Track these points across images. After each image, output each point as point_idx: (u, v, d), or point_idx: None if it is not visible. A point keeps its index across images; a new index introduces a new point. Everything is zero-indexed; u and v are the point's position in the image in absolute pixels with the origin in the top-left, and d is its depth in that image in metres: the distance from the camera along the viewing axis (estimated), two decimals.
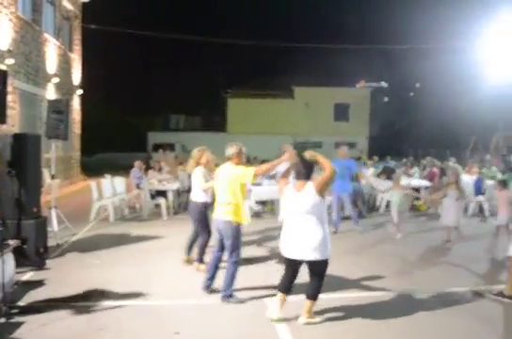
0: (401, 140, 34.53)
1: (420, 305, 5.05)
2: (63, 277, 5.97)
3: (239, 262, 5.14)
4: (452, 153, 27.17)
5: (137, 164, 11.85)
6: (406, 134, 37.46)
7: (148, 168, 13.37)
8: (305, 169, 4.51)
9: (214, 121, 37.88)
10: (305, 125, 30.92)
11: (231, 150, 5.18)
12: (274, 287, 4.89)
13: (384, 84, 47.51)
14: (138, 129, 33.60)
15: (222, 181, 5.17)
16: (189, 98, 38.07)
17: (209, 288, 5.34)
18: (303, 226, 4.39)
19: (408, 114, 40.94)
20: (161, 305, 5.04)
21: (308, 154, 4.59)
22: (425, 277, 6.23)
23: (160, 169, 12.67)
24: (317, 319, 4.58)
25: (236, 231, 5.06)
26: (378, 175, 12.44)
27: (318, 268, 4.47)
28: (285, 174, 4.76)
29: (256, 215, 10.61)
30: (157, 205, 10.86)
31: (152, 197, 10.84)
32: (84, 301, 5.06)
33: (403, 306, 5.03)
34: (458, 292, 5.51)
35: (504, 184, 8.10)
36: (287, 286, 4.62)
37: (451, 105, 34.65)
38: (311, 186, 4.38)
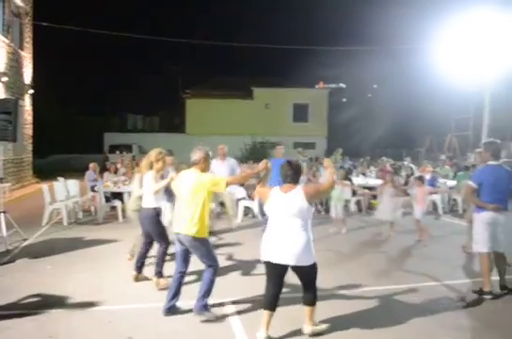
0: (359, 140, 35.14)
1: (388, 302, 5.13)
2: (13, 284, 5.73)
3: (217, 269, 4.72)
4: (408, 152, 27.87)
5: (92, 166, 11.57)
6: (364, 134, 38.17)
7: (104, 169, 13.08)
8: (293, 172, 4.23)
9: (172, 121, 37.50)
10: (264, 126, 31.03)
11: (197, 155, 4.66)
12: (233, 294, 4.83)
13: (342, 85, 48.25)
14: (94, 130, 32.83)
15: (185, 190, 4.62)
16: (147, 98, 37.61)
17: (171, 310, 4.73)
18: (287, 229, 4.12)
19: (366, 114, 41.76)
20: (114, 310, 4.91)
21: (326, 163, 4.53)
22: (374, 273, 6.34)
23: (116, 171, 12.41)
24: (323, 326, 4.34)
25: (205, 242, 4.67)
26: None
27: (308, 273, 4.21)
28: (262, 181, 4.48)
29: (216, 216, 10.51)
30: (113, 208, 10.63)
31: (108, 199, 10.60)
32: (34, 309, 4.86)
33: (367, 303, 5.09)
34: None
35: (421, 180, 8.61)
36: (272, 302, 4.20)
37: (407, 106, 35.55)
38: (299, 190, 4.15)
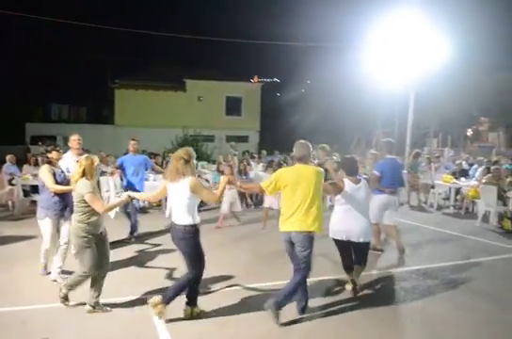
0: (291, 135, 35.61)
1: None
2: None
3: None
4: (338, 147, 28.57)
5: (9, 158, 10.87)
6: (295, 129, 38.73)
7: (26, 162, 12.36)
8: (354, 166, 5.34)
9: (101, 112, 36.12)
10: (197, 119, 30.59)
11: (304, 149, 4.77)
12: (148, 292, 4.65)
13: (277, 80, 48.68)
14: (15, 119, 30.88)
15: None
16: (74, 87, 35.95)
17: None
18: (359, 213, 5.16)
19: (298, 110, 42.39)
20: (28, 310, 4.62)
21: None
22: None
23: (36, 164, 11.71)
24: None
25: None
26: (266, 169, 12.63)
27: (365, 248, 5.26)
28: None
29: (142, 210, 10.21)
30: (33, 202, 10.02)
31: (27, 193, 9.98)
32: None
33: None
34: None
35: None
36: (349, 265, 5.33)
37: (338, 102, 36.41)
38: (364, 182, 5.29)
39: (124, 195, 4.80)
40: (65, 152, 6.21)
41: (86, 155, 4.71)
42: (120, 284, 5.35)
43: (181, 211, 4.38)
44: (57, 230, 5.54)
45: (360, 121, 34.64)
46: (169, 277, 5.84)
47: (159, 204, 10.84)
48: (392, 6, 19.65)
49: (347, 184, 5.20)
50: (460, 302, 5.22)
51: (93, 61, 37.08)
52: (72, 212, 4.83)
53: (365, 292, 5.43)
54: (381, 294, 5.44)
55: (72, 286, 4.58)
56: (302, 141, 4.85)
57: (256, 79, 38.46)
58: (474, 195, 10.37)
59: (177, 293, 4.40)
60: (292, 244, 4.58)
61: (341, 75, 35.69)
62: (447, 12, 25.55)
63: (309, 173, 4.60)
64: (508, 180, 10.04)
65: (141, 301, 4.80)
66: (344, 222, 5.16)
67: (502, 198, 9.52)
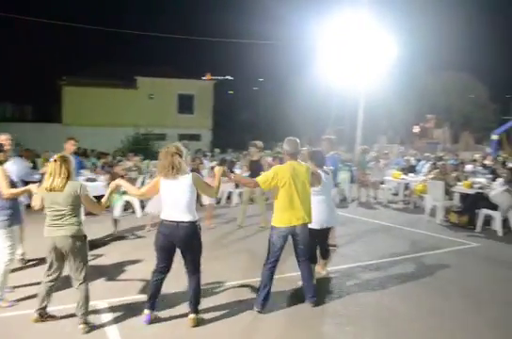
0: (244, 133, 35.59)
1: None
2: None
3: None
4: None
5: None
6: (249, 126, 38.75)
7: None
8: (323, 158, 5.77)
9: (48, 110, 34.82)
10: (148, 117, 30.02)
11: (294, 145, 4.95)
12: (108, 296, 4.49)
13: (229, 77, 48.50)
14: None
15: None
16: (18, 84, 34.45)
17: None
18: (331, 201, 5.78)
19: (251, 107, 42.44)
20: None
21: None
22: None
23: None
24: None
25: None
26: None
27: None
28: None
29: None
30: None
31: None
32: None
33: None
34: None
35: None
36: (326, 252, 5.81)
37: (291, 100, 36.67)
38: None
39: (113, 183, 4.53)
40: None
41: (61, 155, 4.34)
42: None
43: (187, 207, 4.26)
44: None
45: (313, 118, 35.04)
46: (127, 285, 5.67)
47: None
48: (342, 6, 20.00)
49: (322, 174, 5.49)
50: (411, 295, 5.34)
51: (40, 58, 35.71)
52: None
53: (319, 287, 5.44)
54: (334, 289, 5.48)
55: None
56: (292, 138, 4.98)
57: (208, 76, 38.18)
58: (422, 190, 10.66)
59: (200, 298, 4.44)
60: (287, 238, 4.78)
61: (293, 74, 36.00)
62: (396, 13, 26.24)
63: (302, 170, 4.87)
64: (453, 175, 10.39)
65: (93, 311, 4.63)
66: (325, 211, 5.51)
67: (448, 192, 9.84)
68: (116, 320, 4.44)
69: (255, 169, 8.62)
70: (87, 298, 4.22)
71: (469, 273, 6.30)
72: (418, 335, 4.35)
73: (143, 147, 23.25)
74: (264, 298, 4.73)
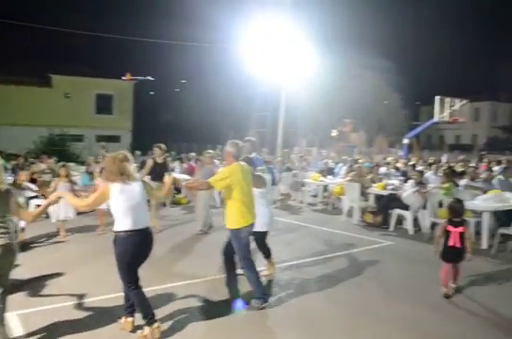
0: (166, 135, 35.09)
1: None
2: None
3: None
4: (211, 148, 28.76)
5: None
6: (170, 128, 38.25)
7: None
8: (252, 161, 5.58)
9: None
10: (64, 117, 28.74)
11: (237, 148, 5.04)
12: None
13: (150, 78, 47.56)
14: None
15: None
16: None
17: None
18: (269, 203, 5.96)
19: (173, 109, 41.90)
20: None
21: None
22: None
23: None
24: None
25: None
26: (139, 170, 12.29)
27: None
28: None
29: None
30: None
31: None
32: None
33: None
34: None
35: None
36: (268, 252, 6.06)
37: (213, 102, 36.65)
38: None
39: (53, 195, 4.21)
40: None
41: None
42: None
43: (146, 212, 4.27)
44: None
45: (235, 120, 35.25)
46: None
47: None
48: (266, 10, 20.32)
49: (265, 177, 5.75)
50: (332, 294, 5.51)
51: None
52: None
53: (241, 289, 5.47)
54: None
55: None
56: (235, 141, 5.07)
57: (129, 76, 37.19)
58: (340, 192, 11.07)
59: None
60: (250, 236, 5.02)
61: (216, 76, 36.00)
62: (315, 19, 27.10)
63: (248, 171, 5.05)
64: (368, 177, 10.89)
65: None
66: (269, 214, 5.78)
67: (363, 194, 10.30)
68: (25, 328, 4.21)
69: (158, 171, 8.56)
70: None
71: (384, 270, 6.63)
72: (341, 334, 4.50)
73: (59, 148, 22.21)
74: (264, 291, 5.05)
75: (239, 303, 4.95)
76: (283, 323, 4.69)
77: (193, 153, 15.91)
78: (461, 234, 5.42)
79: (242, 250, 4.92)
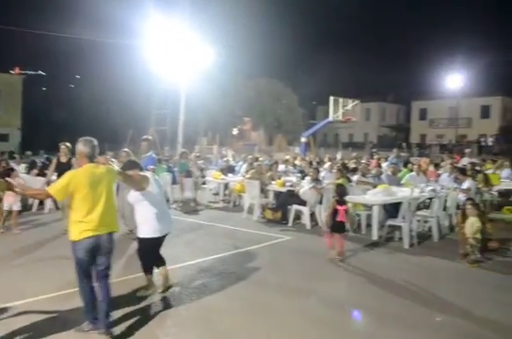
0: (59, 133, 33.21)
1: None
2: None
3: None
4: (110, 146, 27.73)
5: None
6: (64, 126, 36.27)
7: None
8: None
9: None
10: None
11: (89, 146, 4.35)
12: None
13: (42, 73, 44.67)
14: None
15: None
16: None
17: None
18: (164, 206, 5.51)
19: (67, 106, 39.74)
20: None
21: None
22: None
23: None
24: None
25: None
26: (29, 171, 11.60)
27: None
28: None
29: None
30: None
31: None
32: None
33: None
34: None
35: None
36: (160, 261, 5.40)
37: (111, 99, 35.35)
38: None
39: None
40: None
41: None
42: None
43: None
44: None
45: (133, 118, 34.29)
46: None
47: None
48: (167, 8, 20.04)
49: (149, 177, 5.29)
50: (233, 291, 5.56)
51: None
52: None
53: (142, 291, 5.35)
54: (158, 292, 5.42)
55: None
56: (88, 138, 4.45)
57: (17, 71, 34.73)
58: (240, 189, 11.21)
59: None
60: (92, 251, 4.22)
61: (114, 73, 34.76)
62: (214, 22, 27.24)
63: (102, 173, 4.37)
64: (268, 174, 11.14)
65: None
66: (158, 217, 5.17)
67: (263, 191, 10.52)
68: None
69: (63, 171, 8.14)
70: None
71: (283, 265, 6.84)
72: (239, 329, 4.55)
73: None
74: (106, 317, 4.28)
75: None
76: (184, 323, 4.65)
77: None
78: (345, 211, 6.97)
79: (76, 266, 4.27)
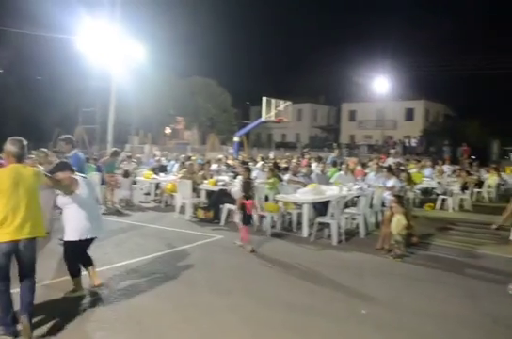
0: None
1: None
2: None
3: None
4: (35, 145, 26.49)
5: None
6: None
7: None
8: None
9: None
10: None
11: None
12: None
13: None
14: None
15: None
16: None
17: None
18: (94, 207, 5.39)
19: None
20: None
21: None
22: None
23: None
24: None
25: None
26: None
27: None
28: None
29: None
30: None
31: None
32: None
33: None
34: None
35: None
36: (87, 262, 5.31)
37: (36, 95, 33.76)
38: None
39: None
40: None
41: None
42: None
43: None
44: None
45: (61, 116, 32.95)
46: None
47: None
48: (99, 6, 19.43)
49: (79, 179, 5.12)
50: (160, 291, 5.48)
51: None
52: None
53: (68, 293, 5.15)
54: (86, 295, 5.24)
55: None
56: (17, 138, 4.28)
57: None
58: (172, 189, 11.07)
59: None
60: (10, 255, 4.04)
61: (40, 68, 33.24)
62: (147, 20, 26.81)
63: (28, 174, 4.20)
64: (200, 174, 11.08)
65: None
66: (86, 220, 5.04)
67: (195, 190, 10.45)
68: None
69: None
70: None
71: (213, 263, 6.82)
72: (170, 330, 4.50)
73: None
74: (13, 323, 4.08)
75: None
76: (113, 325, 4.52)
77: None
78: (251, 205, 7.61)
79: None
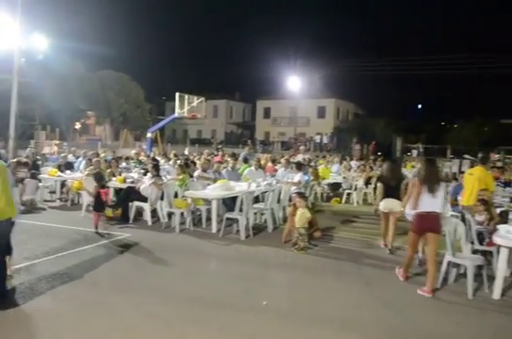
0: None
1: None
2: None
3: None
4: None
5: None
6: None
7: None
8: None
9: None
10: None
11: None
12: None
13: None
14: None
15: None
16: None
17: None
18: None
19: None
20: None
21: None
22: None
23: None
24: None
25: None
26: None
27: None
28: None
29: None
30: None
31: None
32: None
33: None
34: None
35: None
36: None
37: None
38: None
39: None
40: None
41: None
42: None
43: None
44: None
45: None
46: None
47: None
48: None
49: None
50: (61, 292, 5.34)
51: None
52: None
53: None
54: None
55: None
56: None
57: None
58: (78, 187, 10.70)
59: None
60: None
61: None
62: (52, 12, 25.54)
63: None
64: (108, 171, 10.80)
65: None
66: None
67: (103, 187, 10.13)
68: None
69: None
70: None
71: (117, 262, 6.72)
72: (71, 331, 4.42)
73: None
74: None
75: None
76: (9, 328, 4.35)
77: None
78: (105, 194, 8.71)
79: None
